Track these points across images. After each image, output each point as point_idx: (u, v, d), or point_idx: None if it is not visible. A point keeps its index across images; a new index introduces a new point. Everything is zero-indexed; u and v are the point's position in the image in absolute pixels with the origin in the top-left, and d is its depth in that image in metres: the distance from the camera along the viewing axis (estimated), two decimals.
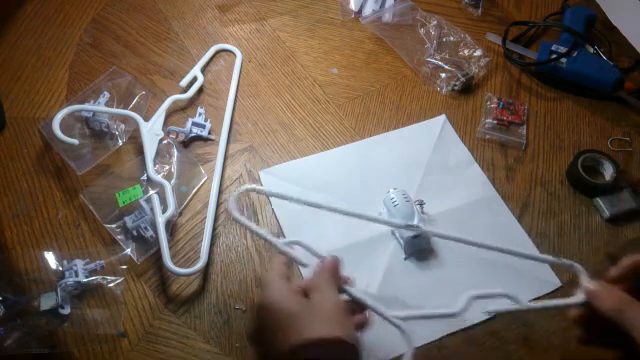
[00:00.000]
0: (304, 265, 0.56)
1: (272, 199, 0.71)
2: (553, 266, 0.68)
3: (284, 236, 0.68)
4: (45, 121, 0.73)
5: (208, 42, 0.86)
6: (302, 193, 0.70)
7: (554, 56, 0.83)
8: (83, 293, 0.63)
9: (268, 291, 0.53)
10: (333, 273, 0.55)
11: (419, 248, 0.68)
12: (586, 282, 0.53)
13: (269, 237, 0.56)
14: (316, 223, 0.69)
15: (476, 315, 0.64)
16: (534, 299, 0.66)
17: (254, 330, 0.54)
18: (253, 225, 0.56)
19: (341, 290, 0.54)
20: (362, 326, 0.54)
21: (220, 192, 0.72)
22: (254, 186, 0.62)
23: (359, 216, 0.60)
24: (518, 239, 0.69)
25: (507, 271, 0.61)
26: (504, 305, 0.55)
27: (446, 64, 0.85)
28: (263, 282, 0.58)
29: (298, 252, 0.56)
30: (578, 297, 0.53)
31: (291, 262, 0.56)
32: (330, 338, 0.48)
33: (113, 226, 0.67)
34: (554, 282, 0.67)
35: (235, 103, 0.80)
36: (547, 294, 0.66)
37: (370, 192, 0.71)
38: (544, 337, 0.64)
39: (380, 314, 0.52)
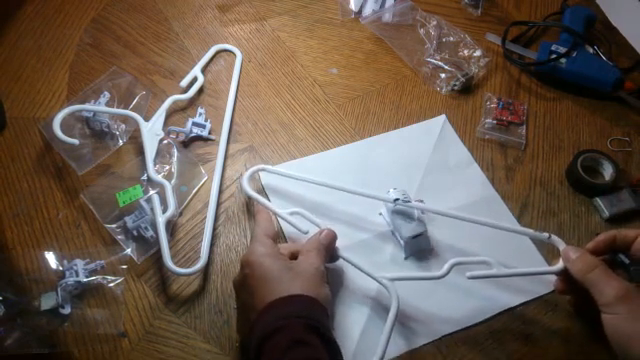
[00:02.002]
0: (305, 232, 0.63)
1: (272, 201, 0.71)
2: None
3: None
4: (45, 121, 0.73)
5: (208, 42, 0.86)
6: (302, 193, 0.71)
7: (554, 56, 0.83)
8: (83, 293, 0.63)
9: (255, 247, 0.59)
10: (327, 245, 0.61)
11: (419, 248, 0.68)
12: (563, 248, 0.60)
13: (277, 210, 0.65)
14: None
15: (476, 315, 0.65)
16: (531, 300, 0.66)
17: (239, 280, 0.59)
18: (262, 199, 0.67)
19: (337, 257, 0.63)
20: None
21: (220, 192, 0.72)
22: (264, 166, 0.71)
23: (365, 195, 0.68)
24: (517, 239, 0.69)
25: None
26: (486, 270, 0.61)
27: (446, 64, 0.85)
28: (252, 236, 0.64)
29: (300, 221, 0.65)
30: (558, 266, 0.60)
31: (274, 221, 0.66)
32: (305, 295, 0.53)
33: (113, 226, 0.67)
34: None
35: (235, 103, 0.80)
36: (545, 294, 0.66)
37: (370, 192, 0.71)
38: (544, 337, 0.64)
39: (370, 275, 0.61)
